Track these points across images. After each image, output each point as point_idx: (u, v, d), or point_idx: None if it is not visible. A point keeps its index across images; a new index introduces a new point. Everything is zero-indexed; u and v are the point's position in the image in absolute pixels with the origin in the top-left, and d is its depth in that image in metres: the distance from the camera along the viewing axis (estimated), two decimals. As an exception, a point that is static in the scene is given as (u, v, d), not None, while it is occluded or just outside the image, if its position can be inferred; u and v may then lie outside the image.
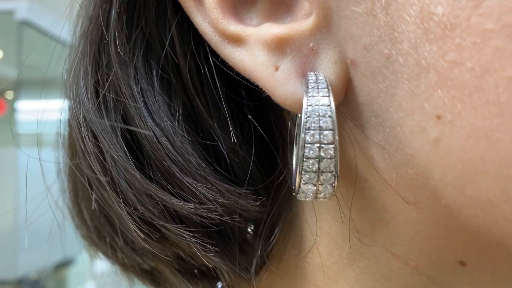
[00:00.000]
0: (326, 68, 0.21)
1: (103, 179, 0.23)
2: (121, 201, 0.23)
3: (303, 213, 0.26)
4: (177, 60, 0.24)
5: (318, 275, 0.26)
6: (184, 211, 0.22)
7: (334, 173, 0.19)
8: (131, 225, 0.23)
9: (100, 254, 0.31)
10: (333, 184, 0.20)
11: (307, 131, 0.19)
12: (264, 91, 0.22)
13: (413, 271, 0.24)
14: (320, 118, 0.19)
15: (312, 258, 0.26)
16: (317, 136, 0.19)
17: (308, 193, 0.20)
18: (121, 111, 0.24)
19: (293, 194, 0.22)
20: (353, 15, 0.20)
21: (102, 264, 1.71)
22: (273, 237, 0.26)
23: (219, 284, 0.28)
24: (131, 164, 0.23)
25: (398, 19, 0.18)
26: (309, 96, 0.19)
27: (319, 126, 0.19)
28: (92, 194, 0.26)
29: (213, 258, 0.24)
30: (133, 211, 0.23)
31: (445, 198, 0.19)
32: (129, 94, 0.23)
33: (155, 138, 0.23)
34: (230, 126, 0.24)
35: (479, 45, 0.16)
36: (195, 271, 0.27)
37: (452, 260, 0.23)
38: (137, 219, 0.23)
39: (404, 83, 0.18)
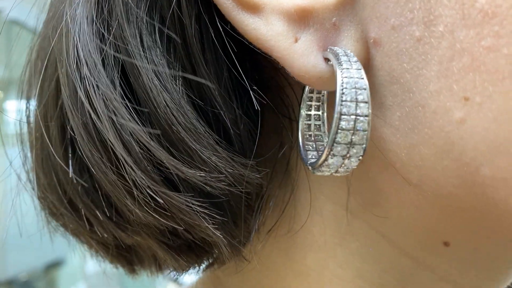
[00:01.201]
0: (347, 45, 0.21)
1: (108, 137, 0.22)
2: (125, 165, 0.22)
3: (297, 192, 0.26)
4: (183, 21, 0.22)
5: (308, 254, 0.26)
6: (194, 180, 0.22)
7: (364, 146, 0.19)
8: (125, 193, 0.22)
9: (69, 231, 0.29)
10: (360, 158, 0.20)
11: (343, 102, 0.19)
12: (277, 63, 0.22)
13: (400, 252, 0.25)
14: (357, 90, 0.19)
15: (303, 238, 0.26)
16: (353, 109, 0.19)
17: (333, 166, 0.20)
18: (121, 69, 0.22)
19: (309, 169, 0.22)
20: None
21: (93, 265, 1.69)
22: (267, 212, 0.26)
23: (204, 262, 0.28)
24: (140, 128, 0.22)
25: (436, 3, 0.18)
26: (344, 69, 0.19)
27: (356, 99, 0.19)
28: (70, 158, 0.25)
29: (215, 230, 0.23)
30: (134, 177, 0.22)
31: (456, 178, 0.20)
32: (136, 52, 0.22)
33: (164, 103, 0.22)
34: (231, 96, 0.23)
35: None
36: (185, 245, 0.26)
37: (437, 240, 0.24)
38: (134, 187, 0.22)
39: (434, 64, 0.19)
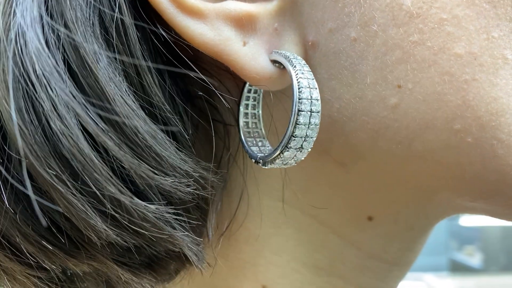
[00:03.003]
0: (289, 48, 0.23)
1: (74, 151, 0.20)
2: (96, 181, 0.21)
3: (236, 191, 0.28)
4: (125, 26, 0.22)
5: (243, 248, 0.28)
6: (166, 187, 0.22)
7: (314, 139, 0.22)
8: (93, 211, 0.21)
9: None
10: (309, 150, 0.22)
11: (300, 100, 0.21)
12: (219, 66, 0.23)
13: (328, 230, 0.28)
14: (310, 89, 0.21)
15: (239, 235, 0.28)
16: (309, 105, 0.21)
17: (285, 159, 0.22)
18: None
19: (259, 163, 0.24)
20: (320, 2, 0.22)
21: None
22: (216, 215, 0.27)
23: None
24: (108, 138, 0.21)
25: (369, 7, 0.22)
26: (298, 70, 0.21)
27: (310, 96, 0.21)
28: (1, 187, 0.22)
29: (184, 237, 0.24)
30: (106, 192, 0.21)
31: (390, 156, 0.23)
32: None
33: (127, 111, 0.22)
34: (177, 102, 0.24)
35: (436, 30, 0.21)
36: (145, 262, 0.25)
37: (362, 216, 0.27)
38: (97, 202, 0.21)
39: (370, 60, 0.22)
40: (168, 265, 0.26)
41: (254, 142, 0.26)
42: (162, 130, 0.23)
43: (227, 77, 0.25)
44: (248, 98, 0.26)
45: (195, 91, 0.25)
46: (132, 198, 0.22)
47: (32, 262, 0.23)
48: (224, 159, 0.27)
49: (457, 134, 0.22)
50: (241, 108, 0.26)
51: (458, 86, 0.21)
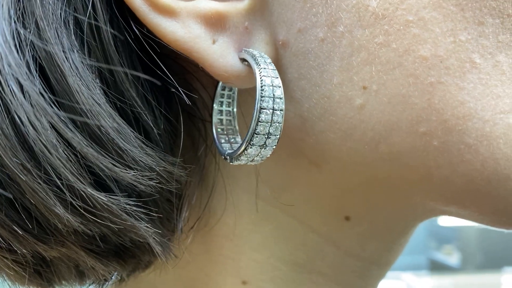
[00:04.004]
0: (259, 47, 0.23)
1: (37, 142, 0.21)
2: (56, 170, 0.22)
3: (214, 187, 0.28)
4: (99, 24, 0.23)
5: (225, 244, 0.28)
6: (127, 179, 0.23)
7: (278, 136, 0.22)
8: (55, 199, 0.22)
9: None
10: (274, 147, 0.23)
11: (263, 98, 0.21)
12: (194, 63, 0.23)
13: (308, 229, 0.28)
14: (273, 88, 0.21)
15: (218, 229, 0.28)
16: (271, 103, 0.21)
17: (250, 155, 0.23)
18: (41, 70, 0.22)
19: (227, 159, 0.24)
20: (289, 2, 0.23)
21: None
22: (189, 210, 0.28)
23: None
24: (71, 131, 0.22)
25: (336, 8, 0.22)
26: (262, 68, 0.21)
27: (273, 95, 0.21)
28: None
29: (147, 228, 0.24)
30: (65, 182, 0.22)
31: (358, 156, 0.23)
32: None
33: (91, 105, 0.22)
34: (149, 98, 0.24)
35: (401, 31, 0.21)
36: (112, 250, 0.26)
37: (339, 216, 0.27)
38: (67, 191, 0.22)
39: (336, 60, 0.22)
40: (138, 254, 0.26)
41: (227, 139, 0.26)
42: (131, 125, 0.24)
43: (204, 75, 0.26)
44: (222, 96, 0.26)
45: (168, 88, 0.25)
46: (90, 188, 0.22)
47: (3, 245, 0.24)
48: (203, 155, 0.28)
49: (423, 137, 0.22)
50: (215, 106, 0.26)
51: (423, 88, 0.21)
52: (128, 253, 0.26)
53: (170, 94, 0.26)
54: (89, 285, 0.30)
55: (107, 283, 0.30)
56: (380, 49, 0.21)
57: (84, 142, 0.22)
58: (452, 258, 3.79)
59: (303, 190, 0.27)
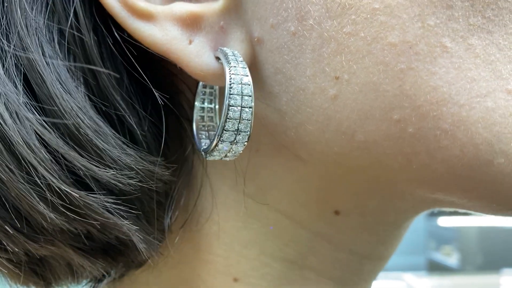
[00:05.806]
0: (235, 45, 0.24)
1: (17, 141, 0.22)
2: (36, 170, 0.23)
3: (201, 187, 0.29)
4: (81, 31, 0.24)
5: (214, 242, 0.28)
6: (105, 178, 0.23)
7: (248, 133, 0.23)
8: (37, 198, 0.23)
9: None
10: (245, 143, 0.23)
11: (231, 95, 0.22)
12: (173, 63, 0.24)
13: (298, 225, 0.28)
14: (242, 85, 0.22)
15: (208, 228, 0.28)
16: (239, 101, 0.22)
17: (222, 151, 0.23)
18: (25, 77, 0.23)
19: (202, 154, 0.25)
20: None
21: None
22: (178, 209, 0.28)
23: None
24: (50, 132, 0.23)
25: (305, 1, 0.22)
26: (231, 67, 0.22)
27: (241, 92, 0.22)
28: None
29: (130, 226, 0.25)
30: (46, 181, 0.23)
31: (337, 147, 0.24)
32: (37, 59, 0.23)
33: (70, 107, 0.23)
34: (134, 100, 0.25)
35: (368, 20, 0.21)
36: (100, 248, 0.27)
37: (329, 210, 0.28)
38: (47, 190, 0.23)
39: (308, 53, 0.22)
40: (127, 253, 0.27)
41: (207, 135, 0.27)
42: (115, 127, 0.24)
43: (188, 76, 0.26)
44: (204, 93, 0.27)
45: (152, 89, 0.26)
46: (67, 186, 0.23)
47: None
48: (191, 154, 0.28)
49: (397, 125, 0.22)
50: (197, 103, 0.27)
51: (393, 75, 0.21)
52: (115, 251, 0.27)
53: (155, 96, 0.26)
54: (85, 284, 0.31)
55: (101, 282, 0.31)
56: (349, 39, 0.21)
57: (61, 143, 0.23)
58: (451, 258, 3.79)
59: (290, 186, 0.27)
